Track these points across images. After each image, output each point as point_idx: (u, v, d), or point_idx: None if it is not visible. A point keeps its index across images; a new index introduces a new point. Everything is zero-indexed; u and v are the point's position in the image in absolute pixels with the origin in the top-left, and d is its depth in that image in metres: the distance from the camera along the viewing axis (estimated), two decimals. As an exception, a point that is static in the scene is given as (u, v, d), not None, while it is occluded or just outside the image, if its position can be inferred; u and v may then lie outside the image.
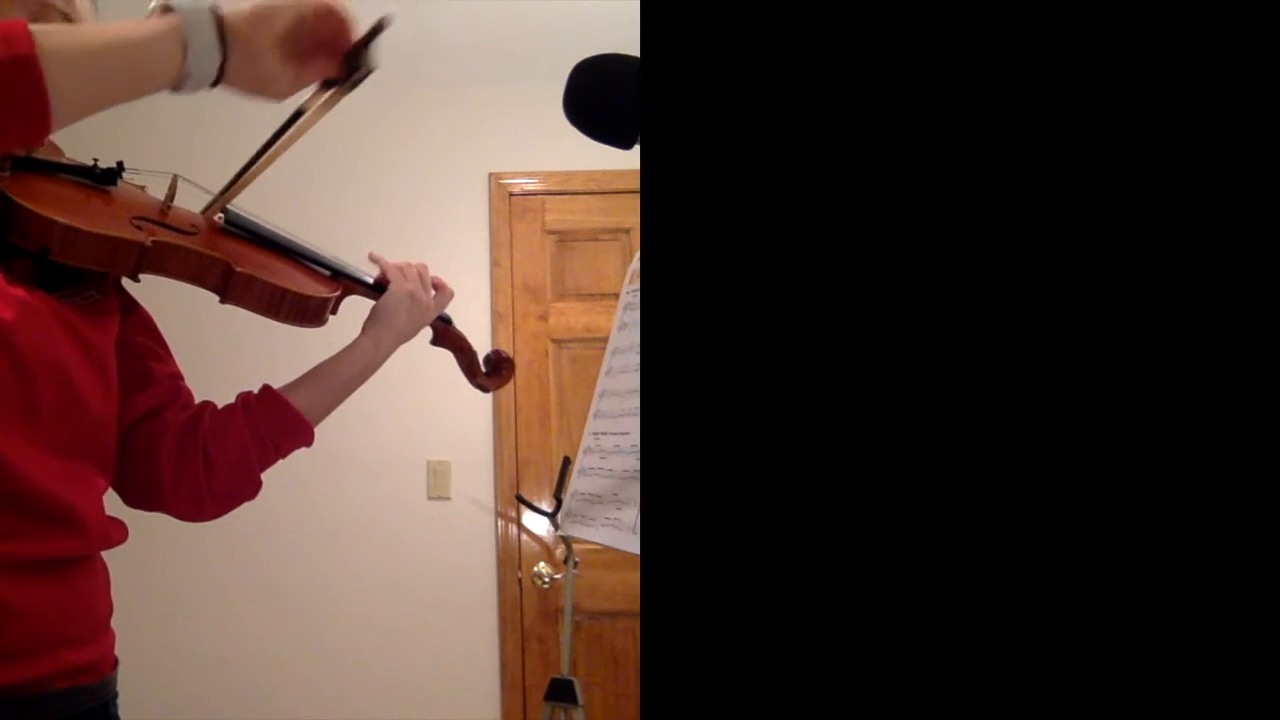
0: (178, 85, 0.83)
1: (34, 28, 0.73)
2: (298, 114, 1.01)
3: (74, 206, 0.90)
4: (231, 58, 0.84)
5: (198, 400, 1.08)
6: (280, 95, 0.91)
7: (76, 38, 0.77)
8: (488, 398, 2.73)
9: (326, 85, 0.97)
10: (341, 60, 0.94)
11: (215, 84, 0.85)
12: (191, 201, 1.05)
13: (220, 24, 0.83)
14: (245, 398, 1.07)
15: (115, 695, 0.96)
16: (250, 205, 1.10)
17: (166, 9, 0.82)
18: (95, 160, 0.97)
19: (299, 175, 2.88)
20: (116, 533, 0.94)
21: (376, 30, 0.93)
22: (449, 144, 2.93)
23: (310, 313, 1.09)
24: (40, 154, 0.93)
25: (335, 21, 0.91)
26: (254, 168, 1.05)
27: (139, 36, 0.80)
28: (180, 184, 1.02)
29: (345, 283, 1.15)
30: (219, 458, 1.02)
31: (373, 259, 1.21)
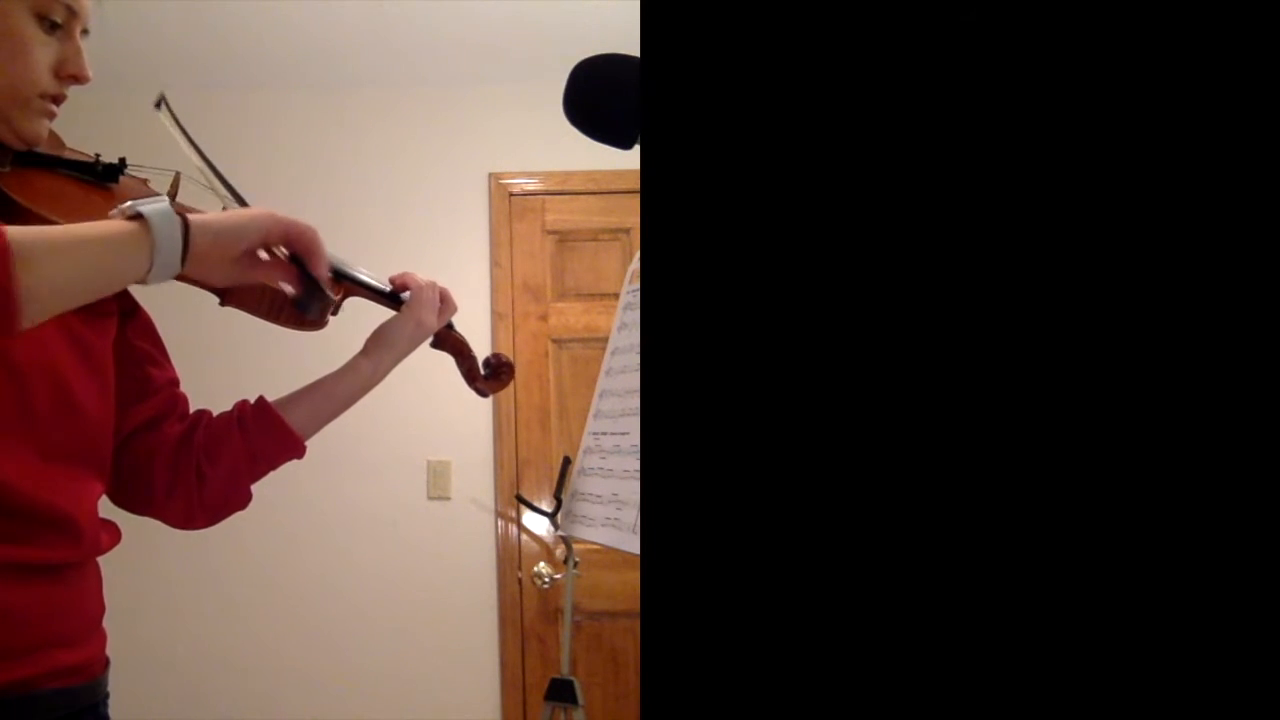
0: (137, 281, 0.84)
1: (10, 229, 0.73)
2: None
3: (74, 205, 0.90)
4: (187, 267, 0.85)
5: (194, 405, 1.07)
6: (220, 286, 0.95)
7: (50, 237, 0.77)
8: (488, 398, 2.73)
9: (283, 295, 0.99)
10: (298, 281, 0.94)
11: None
12: (194, 199, 1.04)
13: (186, 242, 0.83)
14: (241, 410, 1.06)
15: (106, 696, 0.96)
16: (250, 204, 1.10)
17: (137, 215, 0.81)
18: (97, 156, 0.97)
19: (298, 175, 2.88)
20: (108, 537, 0.94)
21: (325, 299, 0.95)
22: (449, 144, 2.93)
23: (311, 316, 1.08)
24: (42, 148, 0.93)
25: (305, 245, 0.92)
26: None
27: (112, 244, 0.80)
28: (183, 181, 1.02)
29: (347, 285, 1.14)
30: (212, 475, 1.02)
31: (398, 282, 1.18)
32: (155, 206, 0.82)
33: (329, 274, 0.96)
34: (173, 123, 0.99)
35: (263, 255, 0.91)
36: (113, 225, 0.81)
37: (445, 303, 1.19)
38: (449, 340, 1.27)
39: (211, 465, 1.02)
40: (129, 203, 0.82)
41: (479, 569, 2.76)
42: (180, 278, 0.87)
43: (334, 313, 1.12)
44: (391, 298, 1.16)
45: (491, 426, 2.82)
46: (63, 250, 0.77)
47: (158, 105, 0.99)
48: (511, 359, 1.33)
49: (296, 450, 1.07)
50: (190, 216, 0.84)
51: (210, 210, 1.04)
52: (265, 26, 2.59)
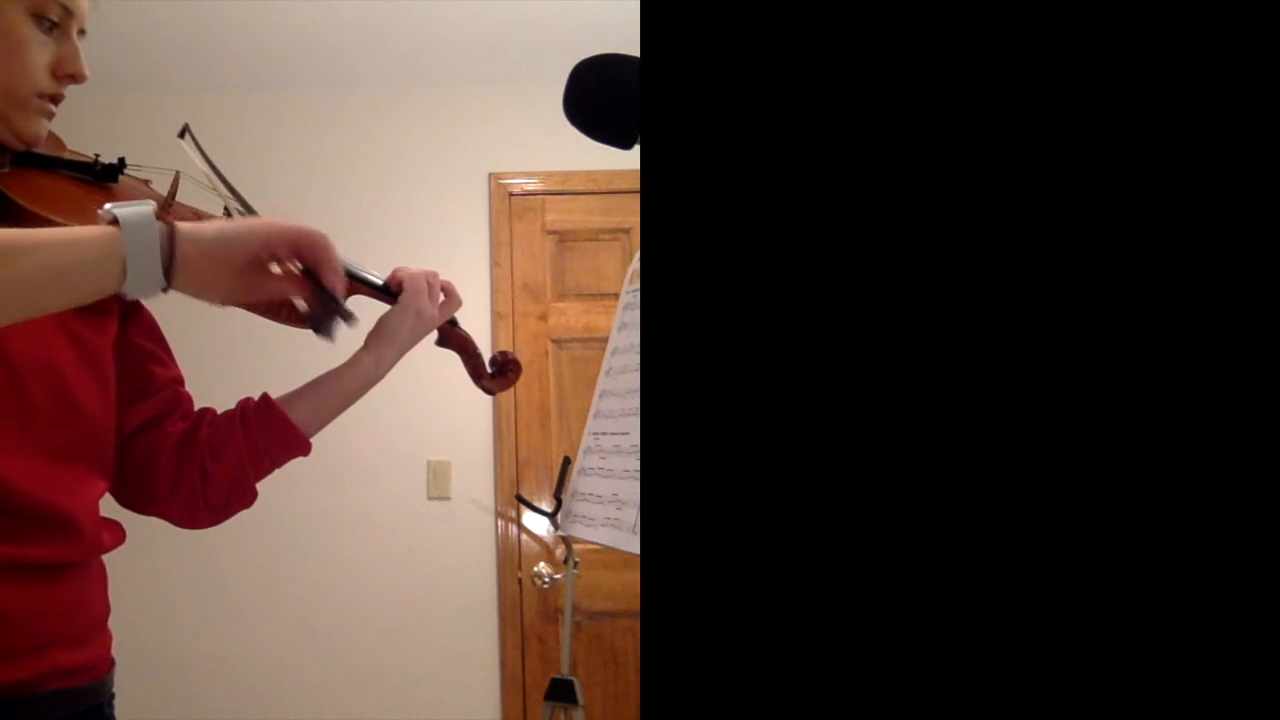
0: (118, 294, 0.77)
1: None
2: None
3: (73, 205, 0.90)
4: (177, 281, 0.78)
5: (198, 403, 1.07)
6: (228, 304, 0.86)
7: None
8: (488, 398, 2.74)
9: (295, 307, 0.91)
10: (312, 296, 0.87)
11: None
12: (193, 198, 1.04)
13: (171, 250, 0.76)
14: (245, 408, 1.06)
15: (111, 696, 0.96)
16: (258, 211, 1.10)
17: (113, 220, 0.75)
18: (97, 156, 0.97)
19: (298, 175, 2.88)
20: (110, 537, 0.94)
21: (341, 315, 0.87)
22: (449, 144, 2.93)
23: (325, 335, 1.07)
24: (42, 149, 0.93)
25: (316, 254, 0.84)
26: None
27: (76, 249, 0.74)
28: (183, 180, 1.02)
29: (349, 283, 1.14)
30: (215, 472, 1.01)
31: (393, 278, 1.15)
32: (132, 209, 0.75)
33: (345, 286, 0.88)
34: (196, 151, 0.98)
35: (274, 269, 0.84)
36: (82, 230, 0.75)
37: (450, 296, 1.17)
38: (453, 337, 1.26)
39: (215, 463, 1.02)
40: (107, 205, 0.76)
41: (479, 569, 2.77)
42: (181, 291, 0.80)
43: (351, 325, 1.04)
44: (389, 291, 1.15)
45: (491, 426, 2.82)
46: (8, 255, 0.70)
47: (181, 135, 0.98)
48: (517, 356, 1.32)
49: (301, 447, 1.06)
50: (179, 224, 0.78)
51: (213, 213, 1.04)
52: (265, 26, 2.59)
